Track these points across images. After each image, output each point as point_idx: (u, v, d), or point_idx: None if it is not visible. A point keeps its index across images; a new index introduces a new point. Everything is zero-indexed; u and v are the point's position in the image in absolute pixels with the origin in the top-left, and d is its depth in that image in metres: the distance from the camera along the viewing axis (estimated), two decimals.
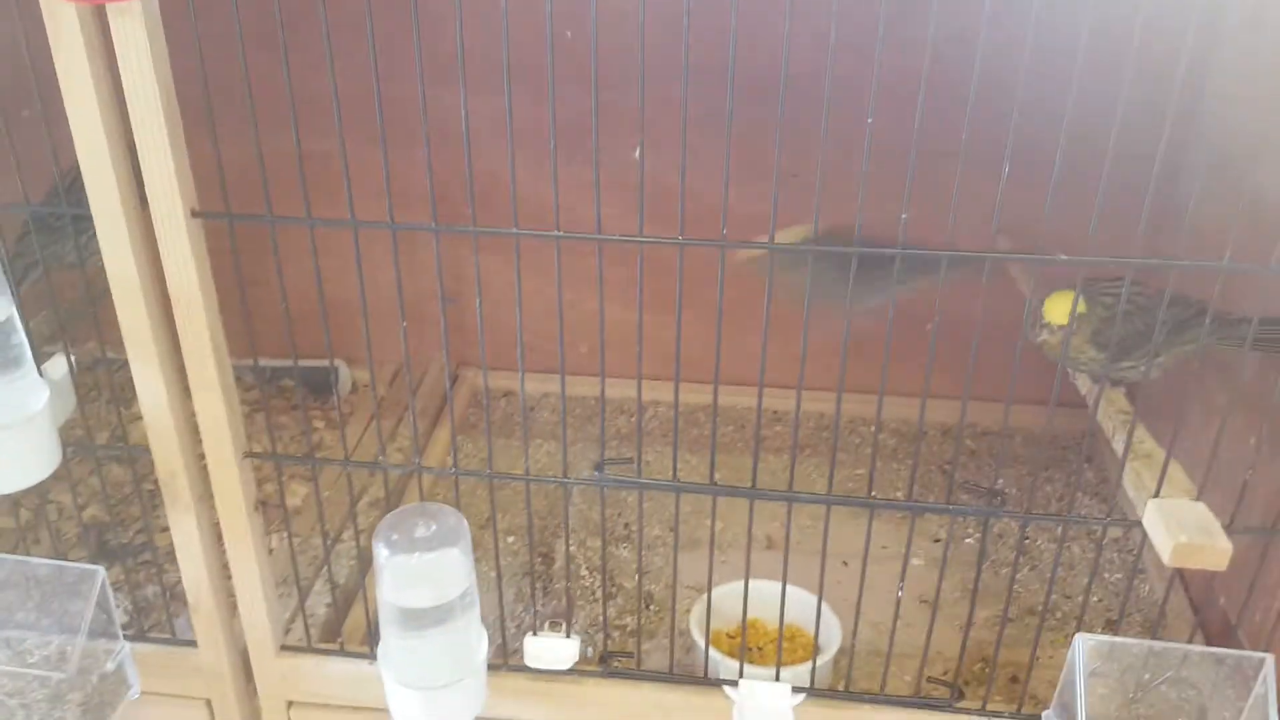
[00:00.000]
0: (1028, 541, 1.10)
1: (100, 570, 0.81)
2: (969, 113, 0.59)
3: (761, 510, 0.78)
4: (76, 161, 0.67)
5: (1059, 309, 0.78)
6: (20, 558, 0.83)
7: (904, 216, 0.63)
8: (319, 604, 0.96)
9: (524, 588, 1.02)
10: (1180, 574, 0.99)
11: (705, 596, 0.90)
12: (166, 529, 1.10)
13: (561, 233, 0.70)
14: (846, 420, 1.24)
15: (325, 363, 1.25)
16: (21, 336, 0.70)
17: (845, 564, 1.00)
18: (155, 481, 1.14)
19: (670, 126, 0.63)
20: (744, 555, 0.78)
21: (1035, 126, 0.59)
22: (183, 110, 0.66)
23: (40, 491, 1.14)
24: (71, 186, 0.83)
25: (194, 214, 0.68)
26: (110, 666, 0.83)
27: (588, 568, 1.06)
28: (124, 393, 1.23)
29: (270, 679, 0.85)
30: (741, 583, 0.83)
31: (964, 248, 0.65)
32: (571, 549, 1.08)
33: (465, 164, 0.67)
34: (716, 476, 0.76)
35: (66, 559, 0.85)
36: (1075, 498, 1.12)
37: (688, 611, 0.93)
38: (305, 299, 0.72)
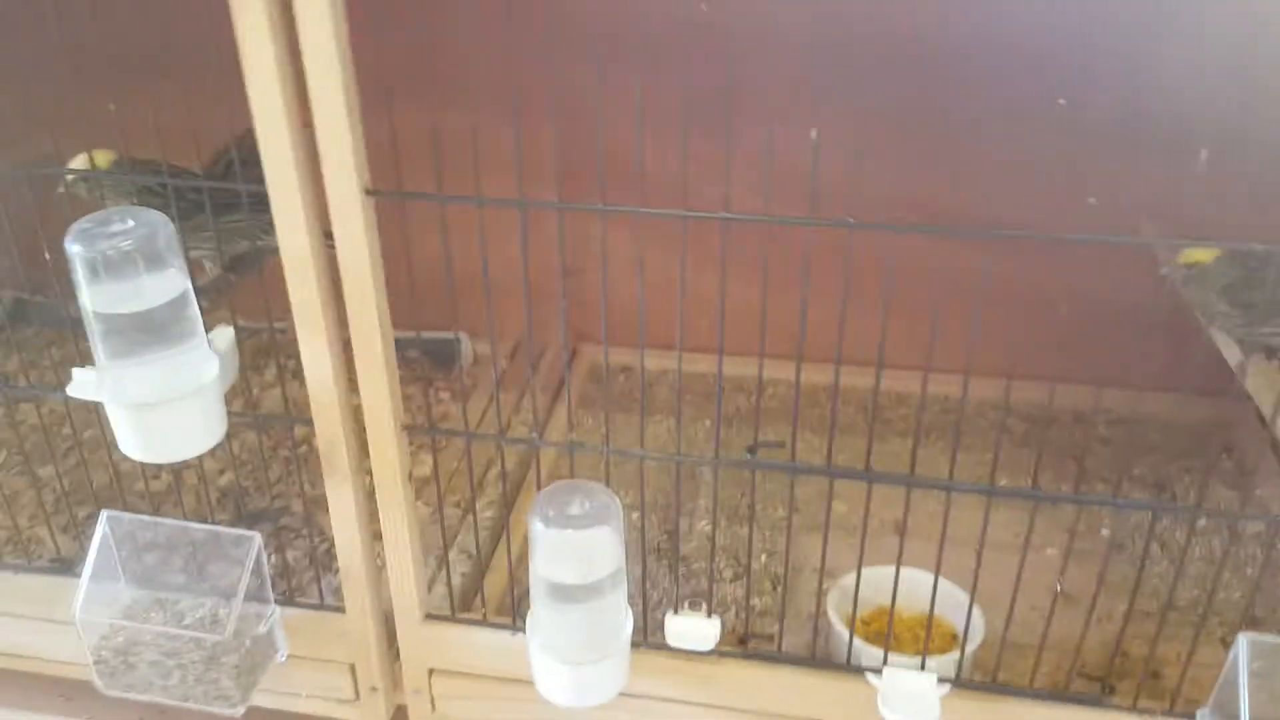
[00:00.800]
0: (1168, 534, 1.07)
1: (256, 536, 0.84)
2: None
3: (892, 496, 0.77)
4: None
5: (1195, 255, 0.78)
6: (180, 522, 0.86)
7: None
8: (453, 573, 0.98)
9: (650, 565, 1.03)
10: None
11: (842, 581, 0.90)
12: (301, 495, 1.13)
13: (689, 211, 0.69)
14: (974, 404, 1.22)
15: (449, 335, 1.28)
16: (195, 309, 0.72)
17: (976, 552, 0.98)
18: (291, 448, 1.18)
19: (804, 103, 0.61)
20: (866, 539, 0.76)
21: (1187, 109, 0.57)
22: None
23: None
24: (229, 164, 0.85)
25: (368, 192, 0.69)
26: (262, 630, 0.86)
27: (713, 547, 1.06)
28: (255, 360, 1.27)
29: (414, 646, 0.87)
30: (877, 568, 0.82)
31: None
32: (704, 527, 1.08)
33: (595, 139, 0.66)
34: (841, 459, 0.75)
35: (211, 521, 0.87)
36: (1210, 488, 1.08)
37: (816, 593, 0.93)
38: (424, 272, 0.73)
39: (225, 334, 0.78)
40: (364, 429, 0.78)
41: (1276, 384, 0.79)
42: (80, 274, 0.68)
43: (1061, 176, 0.60)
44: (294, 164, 0.67)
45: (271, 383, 1.23)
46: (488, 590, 0.97)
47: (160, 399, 0.71)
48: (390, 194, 0.69)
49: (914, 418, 1.21)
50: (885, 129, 0.67)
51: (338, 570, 1.02)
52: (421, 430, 0.81)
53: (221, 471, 1.15)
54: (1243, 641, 0.70)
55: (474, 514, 1.01)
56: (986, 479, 0.75)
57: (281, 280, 0.72)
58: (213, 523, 0.87)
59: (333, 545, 1.04)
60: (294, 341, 0.75)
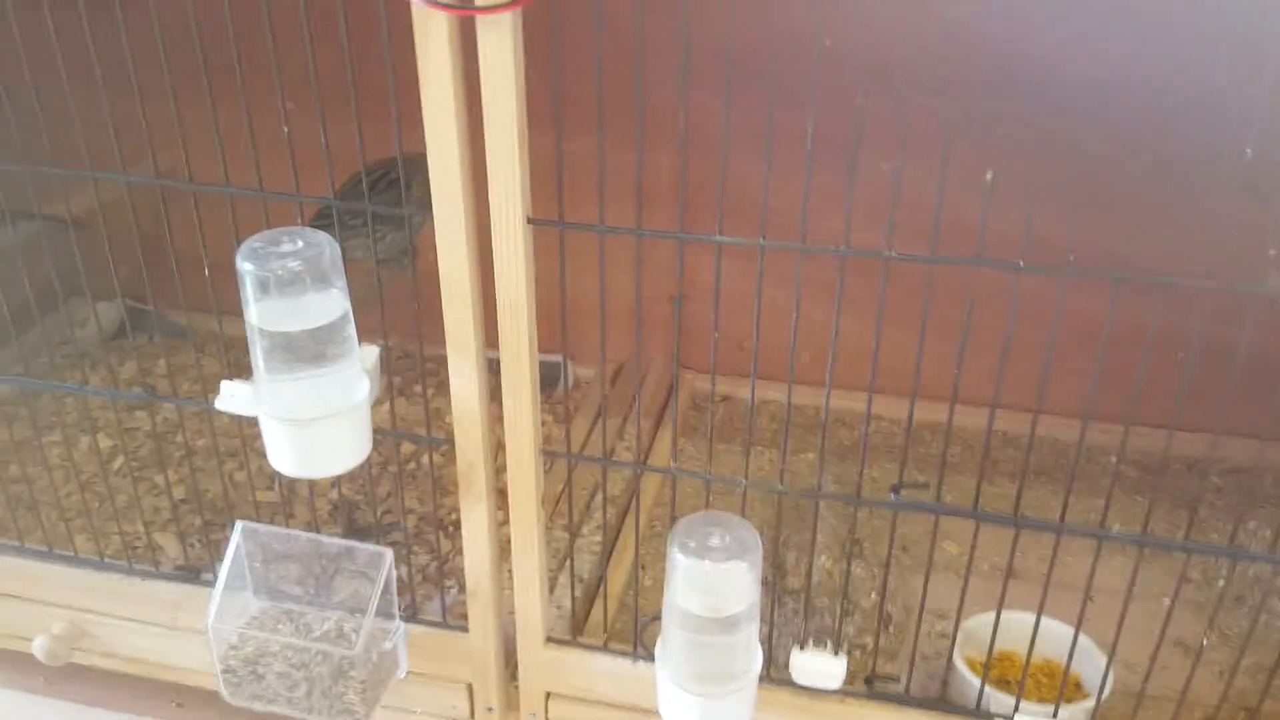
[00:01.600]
0: None
1: (388, 552, 0.85)
2: None
3: (1000, 539, 0.77)
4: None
5: None
6: (314, 535, 0.87)
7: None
8: (564, 596, 0.99)
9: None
10: None
11: (966, 624, 0.89)
12: (412, 511, 1.15)
13: (805, 245, 0.70)
14: (1086, 448, 1.21)
15: (555, 357, 1.29)
16: (353, 330, 0.74)
17: (1092, 599, 0.97)
18: (399, 464, 1.19)
19: (929, 139, 0.62)
20: (982, 580, 0.76)
21: None
22: None
23: None
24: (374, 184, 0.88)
25: (529, 221, 0.70)
26: (388, 646, 0.87)
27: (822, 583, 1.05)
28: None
29: (534, 669, 0.88)
30: (1004, 613, 0.81)
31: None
32: (823, 563, 1.08)
33: (717, 169, 0.67)
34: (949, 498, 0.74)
35: (320, 534, 0.88)
36: None
37: (931, 634, 0.92)
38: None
39: (371, 352, 0.79)
40: (502, 451, 0.79)
41: None
42: (249, 291, 0.70)
43: (1183, 222, 0.60)
44: (461, 191, 0.69)
45: (380, 398, 1.25)
46: (597, 614, 0.98)
47: (317, 416, 0.73)
48: (550, 222, 0.70)
49: (1023, 459, 1.20)
50: (1013, 167, 0.66)
51: (450, 588, 1.03)
52: (558, 455, 0.82)
53: (331, 485, 1.17)
54: None
55: (583, 536, 1.01)
56: (1097, 524, 0.74)
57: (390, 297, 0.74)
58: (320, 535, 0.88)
59: (445, 562, 1.06)
60: (399, 358, 0.76)
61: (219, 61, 0.70)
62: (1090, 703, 0.84)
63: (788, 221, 0.72)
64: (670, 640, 0.76)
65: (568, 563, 1.00)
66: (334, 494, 1.15)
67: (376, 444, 0.79)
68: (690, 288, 1.19)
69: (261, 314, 0.70)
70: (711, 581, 0.73)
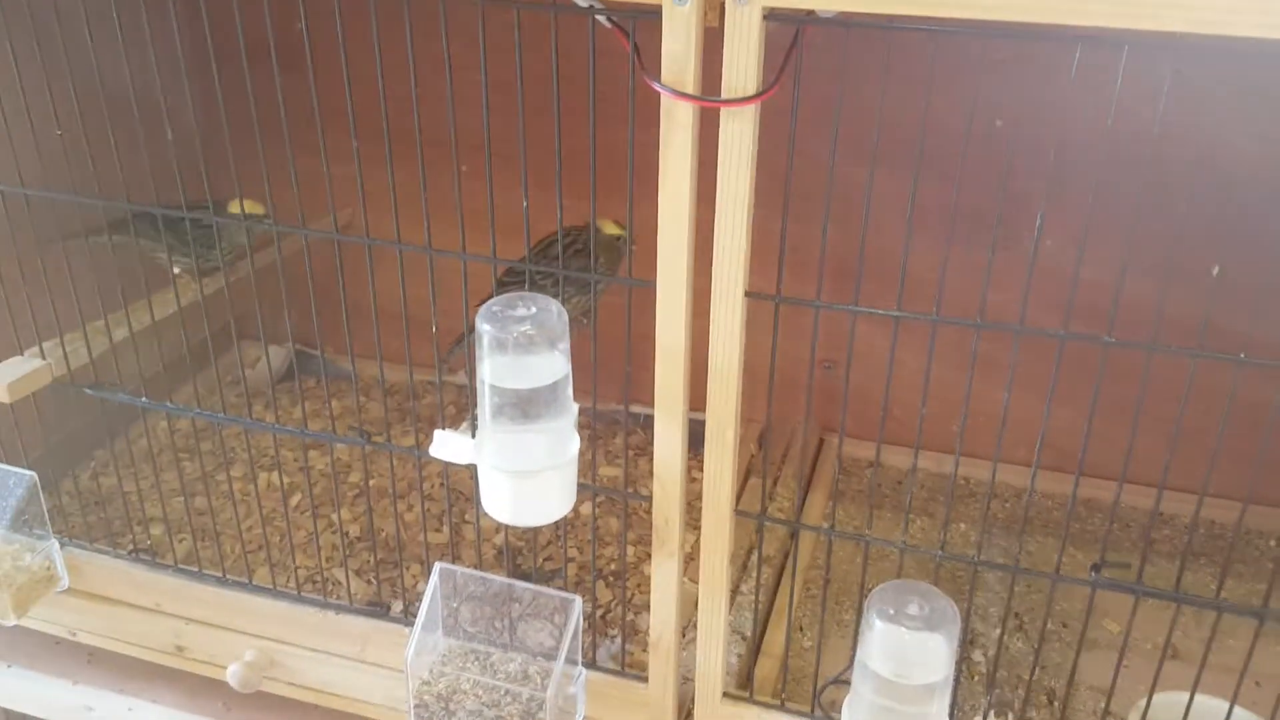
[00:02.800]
0: None
1: (577, 599, 0.88)
2: None
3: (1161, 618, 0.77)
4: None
5: None
6: (508, 580, 0.91)
7: None
8: (730, 653, 1.01)
9: None
10: None
11: (1138, 704, 0.89)
12: (573, 560, 1.19)
13: (938, 316, 0.73)
14: (1245, 531, 1.20)
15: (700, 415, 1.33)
16: (570, 389, 0.79)
17: (1258, 684, 0.96)
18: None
19: (1083, 218, 0.64)
20: (1143, 660, 0.76)
21: None
22: None
23: (457, 512, 1.25)
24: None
25: (746, 294, 0.74)
26: (571, 690, 0.90)
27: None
28: None
29: None
30: (1173, 694, 0.82)
31: None
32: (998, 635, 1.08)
33: (860, 240, 0.71)
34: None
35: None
36: None
37: (1097, 714, 0.92)
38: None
39: (573, 409, 0.84)
40: (697, 508, 0.83)
41: None
42: (484, 349, 0.75)
43: None
44: (686, 266, 0.74)
45: None
46: (761, 671, 1.00)
47: (535, 469, 0.77)
48: (767, 296, 0.75)
49: (1182, 538, 1.19)
50: (1182, 250, 0.69)
51: (614, 636, 1.06)
52: (750, 516, 0.85)
53: (496, 530, 1.22)
54: None
55: (743, 594, 1.04)
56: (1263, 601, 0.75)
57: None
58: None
59: (607, 612, 1.09)
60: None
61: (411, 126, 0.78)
62: None
63: (965, 297, 0.75)
64: (860, 703, 0.78)
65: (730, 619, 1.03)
66: (498, 539, 1.20)
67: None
68: (840, 354, 1.23)
69: (494, 371, 0.75)
70: (908, 649, 0.75)
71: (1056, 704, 1.00)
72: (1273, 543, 1.18)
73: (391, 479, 1.00)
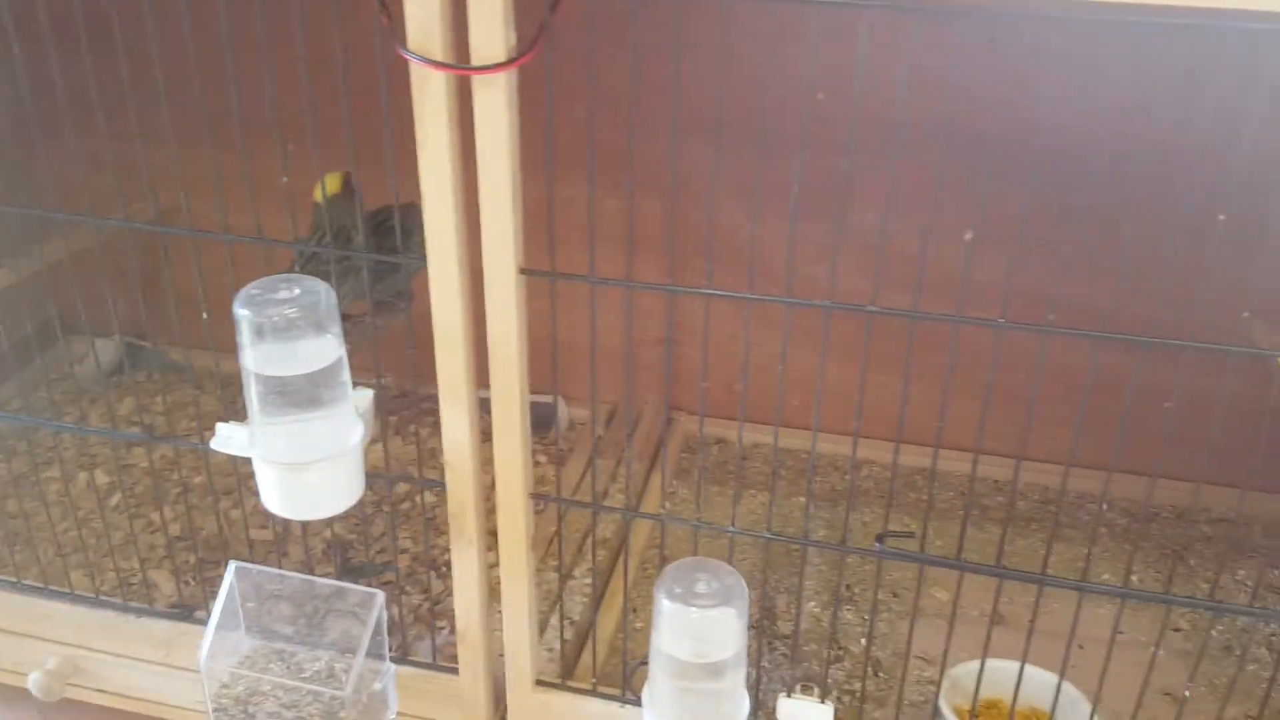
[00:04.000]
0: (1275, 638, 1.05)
1: (380, 594, 0.85)
2: None
3: (988, 584, 0.78)
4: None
5: None
6: (306, 576, 0.88)
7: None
8: (554, 639, 0.99)
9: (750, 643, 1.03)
10: None
11: (952, 672, 0.89)
12: (405, 551, 1.16)
13: (792, 299, 0.72)
14: (1073, 495, 1.22)
15: (548, 398, 1.30)
16: (347, 375, 0.75)
17: (1081, 647, 0.98)
18: (392, 504, 1.20)
19: (916, 192, 0.63)
20: (970, 627, 0.76)
21: None
22: None
23: None
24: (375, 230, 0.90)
25: (521, 271, 0.71)
26: (378, 686, 0.87)
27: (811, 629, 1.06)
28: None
29: (523, 712, 0.88)
30: (987, 661, 0.82)
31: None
32: (812, 608, 1.08)
33: (704, 217, 0.69)
34: (938, 544, 0.75)
35: (313, 573, 0.89)
36: None
37: (922, 682, 0.92)
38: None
39: (365, 396, 0.81)
40: (491, 494, 0.80)
41: None
42: (245, 336, 0.71)
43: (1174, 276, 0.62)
44: (455, 241, 0.71)
45: (374, 437, 1.26)
46: (586, 658, 0.99)
47: (309, 459, 0.74)
48: (541, 273, 0.72)
49: (1009, 506, 1.21)
50: (1000, 221, 0.69)
51: (442, 628, 1.04)
52: (548, 499, 0.83)
53: (325, 524, 1.17)
54: None
55: (574, 578, 1.02)
56: (1082, 573, 0.75)
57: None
58: (314, 575, 0.89)
59: (437, 603, 1.07)
60: (395, 396, 0.77)
61: (217, 106, 0.73)
62: None
63: (774, 268, 0.74)
64: (657, 685, 0.76)
65: (558, 606, 1.01)
66: (327, 533, 1.16)
67: (371, 483, 0.81)
68: (679, 330, 1.21)
69: (257, 358, 0.72)
70: (698, 628, 0.74)
71: (881, 675, 1.01)
72: (1102, 506, 1.20)
73: (208, 474, 0.95)
